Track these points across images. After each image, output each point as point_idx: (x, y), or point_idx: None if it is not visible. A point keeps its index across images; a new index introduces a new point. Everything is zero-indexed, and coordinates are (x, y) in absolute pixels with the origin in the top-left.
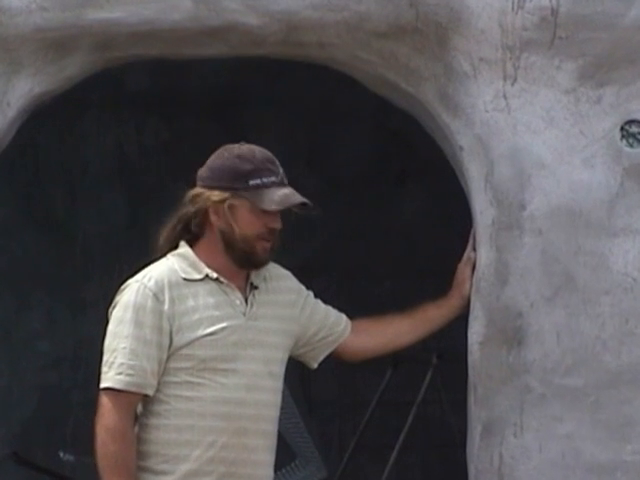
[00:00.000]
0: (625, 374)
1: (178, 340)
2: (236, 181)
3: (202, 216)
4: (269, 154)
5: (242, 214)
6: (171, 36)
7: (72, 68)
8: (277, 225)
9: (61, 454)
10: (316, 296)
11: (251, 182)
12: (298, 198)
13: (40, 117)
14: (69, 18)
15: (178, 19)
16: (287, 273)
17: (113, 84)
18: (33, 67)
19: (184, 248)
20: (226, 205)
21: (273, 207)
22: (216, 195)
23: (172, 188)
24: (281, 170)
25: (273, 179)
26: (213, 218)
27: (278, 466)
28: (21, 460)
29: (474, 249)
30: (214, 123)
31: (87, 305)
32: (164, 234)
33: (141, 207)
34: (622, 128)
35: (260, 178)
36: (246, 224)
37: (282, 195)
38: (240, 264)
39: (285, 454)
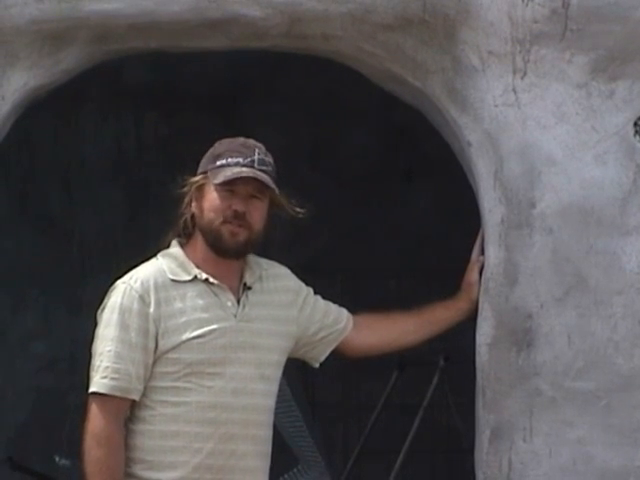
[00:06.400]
0: (638, 377)
1: (164, 344)
2: (208, 163)
3: (188, 208)
4: (255, 144)
5: (208, 195)
6: (171, 28)
7: (69, 61)
8: (239, 207)
9: (57, 458)
10: (317, 293)
11: (218, 162)
12: (247, 173)
13: (36, 112)
14: (66, 9)
15: (178, 10)
16: (285, 272)
17: (111, 78)
18: (28, 60)
19: (175, 248)
20: (194, 187)
21: (219, 180)
22: (193, 180)
23: (171, 185)
24: (257, 156)
25: (239, 160)
26: (192, 205)
27: (280, 471)
28: (16, 465)
29: (482, 250)
30: (214, 118)
31: (84, 305)
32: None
33: (139, 204)
34: (635, 123)
35: (226, 158)
36: (210, 204)
37: (236, 172)
38: (215, 253)
39: (288, 459)
